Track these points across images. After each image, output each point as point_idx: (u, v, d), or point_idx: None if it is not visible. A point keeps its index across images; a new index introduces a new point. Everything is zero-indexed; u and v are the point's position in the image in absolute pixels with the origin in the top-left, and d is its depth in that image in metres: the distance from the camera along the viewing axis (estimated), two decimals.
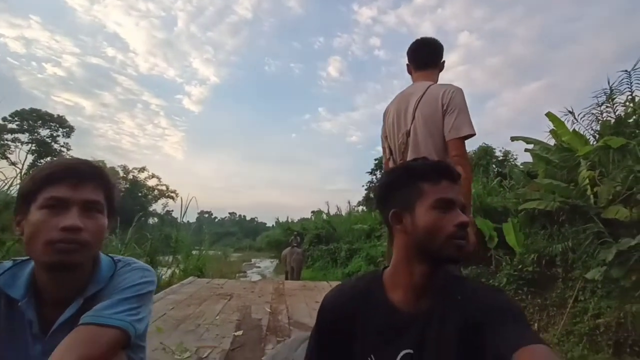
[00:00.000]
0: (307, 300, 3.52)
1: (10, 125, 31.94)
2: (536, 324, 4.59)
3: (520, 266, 5.16)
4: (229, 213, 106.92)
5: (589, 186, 4.52)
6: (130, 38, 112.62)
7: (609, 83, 4.74)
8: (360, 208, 18.93)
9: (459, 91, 1.67)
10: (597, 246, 4.00)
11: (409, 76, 1.94)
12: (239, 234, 69.61)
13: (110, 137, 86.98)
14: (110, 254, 0.91)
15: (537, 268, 4.99)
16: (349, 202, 20.96)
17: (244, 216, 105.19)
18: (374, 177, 18.83)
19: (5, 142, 31.67)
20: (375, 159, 19.46)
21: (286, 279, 9.88)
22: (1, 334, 0.77)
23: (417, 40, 1.88)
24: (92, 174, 0.80)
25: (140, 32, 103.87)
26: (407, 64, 1.91)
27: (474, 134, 1.64)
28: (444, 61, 1.87)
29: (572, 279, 4.50)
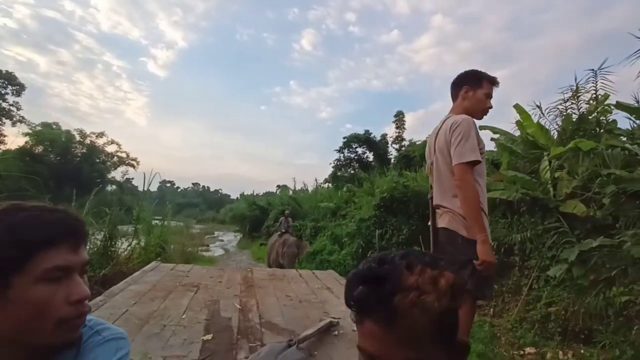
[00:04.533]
0: (277, 293, 3.45)
1: None
2: (491, 310, 4.85)
3: None
4: (192, 183, 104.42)
5: (550, 180, 4.73)
6: None
7: (575, 80, 4.88)
8: (326, 185, 18.97)
9: (465, 120, 1.78)
10: (555, 239, 4.23)
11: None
12: (202, 206, 68.43)
13: (67, 97, 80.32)
14: None
15: (495, 255, 5.23)
16: (315, 180, 20.99)
17: (208, 187, 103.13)
18: (342, 154, 18.81)
19: None
20: (344, 137, 19.39)
21: None
22: None
23: None
24: (85, 229, 0.66)
25: None
26: None
27: (479, 161, 1.76)
28: (467, 88, 1.94)
29: (528, 267, 4.75)
